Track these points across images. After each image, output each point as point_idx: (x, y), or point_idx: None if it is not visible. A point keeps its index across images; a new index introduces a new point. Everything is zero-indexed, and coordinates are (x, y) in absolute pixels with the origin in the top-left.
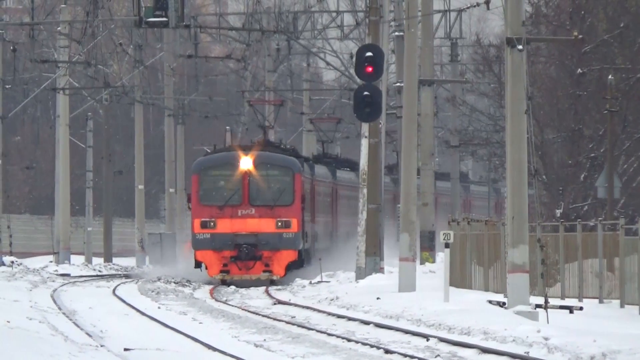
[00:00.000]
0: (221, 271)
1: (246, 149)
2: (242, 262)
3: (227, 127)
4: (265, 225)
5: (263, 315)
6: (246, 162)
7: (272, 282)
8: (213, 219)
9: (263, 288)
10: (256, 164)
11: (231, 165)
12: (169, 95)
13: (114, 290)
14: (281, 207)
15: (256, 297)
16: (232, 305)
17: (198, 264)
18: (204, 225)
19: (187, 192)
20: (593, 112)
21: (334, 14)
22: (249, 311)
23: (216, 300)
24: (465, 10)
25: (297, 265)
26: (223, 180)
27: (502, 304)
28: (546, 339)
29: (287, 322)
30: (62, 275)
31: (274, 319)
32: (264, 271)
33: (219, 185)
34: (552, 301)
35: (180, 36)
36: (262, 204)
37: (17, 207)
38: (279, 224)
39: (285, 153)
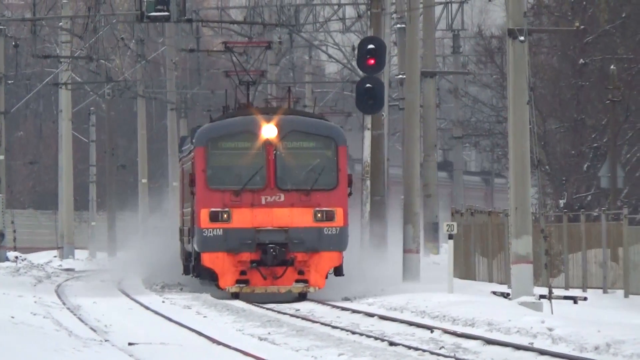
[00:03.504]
0: (237, 281)
1: (270, 112)
2: (267, 268)
3: None
4: (299, 217)
5: (267, 309)
6: (271, 130)
7: (302, 296)
8: (227, 209)
9: None
10: (285, 132)
11: (250, 134)
12: (171, 89)
13: (118, 285)
14: (321, 192)
15: None
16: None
17: (198, 270)
18: (214, 217)
19: (191, 171)
20: (595, 102)
21: (335, 7)
22: (253, 304)
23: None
24: (466, 1)
25: (338, 273)
26: (239, 155)
27: (506, 295)
28: (550, 329)
29: (291, 315)
30: (66, 270)
31: (278, 312)
32: (297, 281)
33: (235, 163)
34: (556, 291)
35: (182, 30)
36: (295, 188)
37: (21, 202)
38: (318, 215)
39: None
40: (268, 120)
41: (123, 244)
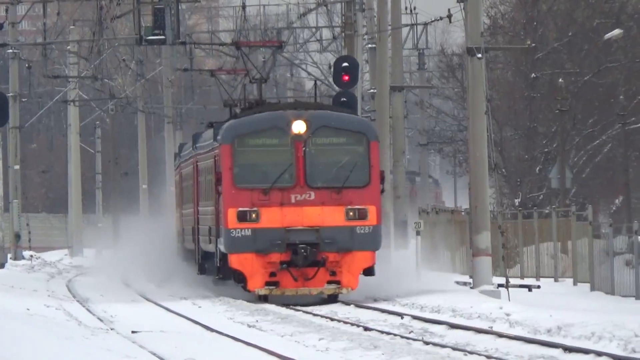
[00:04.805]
0: (267, 283)
1: (298, 107)
2: (297, 269)
3: None
4: (331, 216)
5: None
6: (300, 126)
7: (332, 298)
8: (255, 209)
9: None
10: (314, 128)
11: (279, 130)
12: (167, 105)
13: (122, 279)
14: (353, 190)
15: None
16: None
17: (224, 272)
18: (242, 217)
19: (218, 170)
20: (546, 111)
21: (313, 29)
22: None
23: (213, 285)
24: (430, 23)
25: (368, 273)
26: (268, 152)
27: (468, 284)
28: (508, 314)
29: (276, 304)
30: (76, 266)
31: (264, 302)
32: (329, 282)
33: (263, 160)
34: (513, 281)
35: (176, 52)
36: (326, 186)
37: (35, 206)
38: (350, 213)
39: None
40: (297, 116)
41: (126, 242)
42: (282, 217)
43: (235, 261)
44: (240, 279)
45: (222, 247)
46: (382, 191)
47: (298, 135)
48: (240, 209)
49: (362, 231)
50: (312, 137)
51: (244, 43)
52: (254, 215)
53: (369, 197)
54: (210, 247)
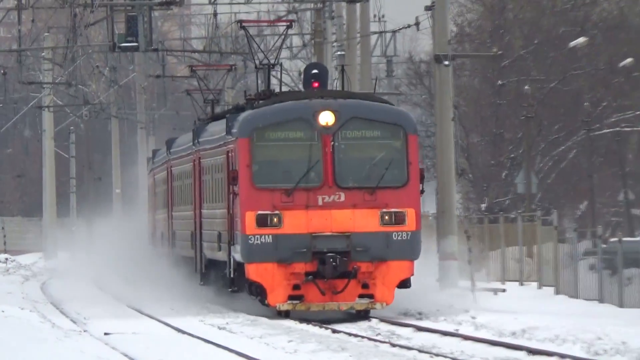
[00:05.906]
0: (290, 297)
1: (326, 96)
2: (325, 281)
3: None
4: (363, 221)
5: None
6: (328, 117)
7: (364, 314)
8: (277, 212)
9: None
10: (344, 119)
11: (304, 122)
12: (140, 111)
13: (95, 282)
14: (388, 190)
15: None
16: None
17: (239, 284)
18: (261, 221)
19: (233, 167)
20: (512, 118)
21: (283, 37)
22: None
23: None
24: (398, 31)
25: (404, 284)
26: (291, 147)
27: (435, 288)
28: (473, 317)
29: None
30: (50, 269)
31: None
32: (361, 295)
33: (285, 156)
34: (479, 284)
35: (149, 59)
36: (357, 186)
37: (10, 210)
38: (386, 217)
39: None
40: (325, 106)
41: (100, 246)
42: (308, 222)
43: (254, 272)
44: (258, 292)
45: (237, 256)
46: (422, 192)
47: (326, 128)
48: (260, 212)
49: (399, 238)
50: (341, 130)
51: (248, 21)
52: (275, 220)
53: (406, 199)
54: (219, 255)
